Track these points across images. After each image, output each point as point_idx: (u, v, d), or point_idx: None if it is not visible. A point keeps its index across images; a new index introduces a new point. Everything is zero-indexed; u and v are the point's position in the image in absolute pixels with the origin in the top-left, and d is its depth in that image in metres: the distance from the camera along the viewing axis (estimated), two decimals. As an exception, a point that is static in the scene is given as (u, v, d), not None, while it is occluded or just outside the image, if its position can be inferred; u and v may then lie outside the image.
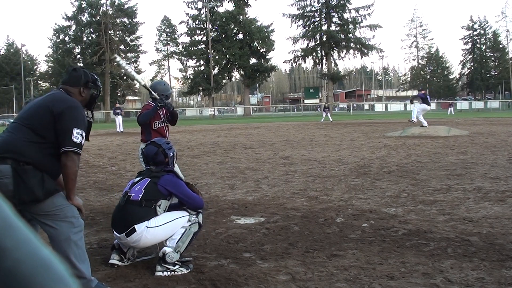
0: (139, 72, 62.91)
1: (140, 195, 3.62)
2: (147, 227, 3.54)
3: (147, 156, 3.91)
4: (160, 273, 3.53)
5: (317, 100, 71.86)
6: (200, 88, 59.66)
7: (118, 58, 5.73)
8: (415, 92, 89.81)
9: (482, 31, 79.61)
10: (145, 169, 3.94)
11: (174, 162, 4.09)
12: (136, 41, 60.34)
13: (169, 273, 3.53)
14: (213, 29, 59.25)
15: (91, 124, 3.21)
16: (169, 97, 5.69)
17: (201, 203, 3.81)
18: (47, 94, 3.21)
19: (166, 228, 3.60)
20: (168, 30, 74.74)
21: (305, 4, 60.73)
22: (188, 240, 3.65)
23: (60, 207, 2.98)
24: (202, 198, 3.88)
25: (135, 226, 3.53)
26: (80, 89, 3.13)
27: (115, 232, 3.68)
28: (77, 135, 2.91)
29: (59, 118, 2.91)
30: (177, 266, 3.56)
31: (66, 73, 3.20)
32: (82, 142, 2.97)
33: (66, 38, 58.23)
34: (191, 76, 60.36)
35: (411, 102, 21.04)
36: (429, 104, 18.93)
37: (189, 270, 3.60)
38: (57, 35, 58.09)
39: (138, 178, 3.81)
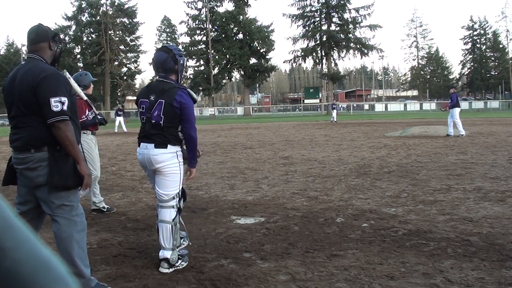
0: (139, 72, 63.03)
1: (161, 122, 3.64)
2: (178, 156, 3.69)
3: (156, 63, 3.77)
4: (166, 270, 3.63)
5: (317, 100, 71.85)
6: (200, 88, 59.63)
7: (68, 75, 5.94)
8: (415, 92, 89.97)
9: (482, 31, 79.59)
10: (156, 81, 3.82)
11: (183, 71, 3.96)
12: (136, 41, 60.36)
13: (173, 269, 3.66)
14: (213, 29, 59.24)
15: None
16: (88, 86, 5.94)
17: (195, 134, 3.74)
18: (20, 69, 3.09)
19: (177, 180, 3.72)
20: (168, 30, 74.76)
21: (305, 4, 60.74)
22: (178, 234, 3.79)
23: (71, 202, 3.06)
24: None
25: (169, 144, 3.64)
26: (49, 43, 3.12)
27: (142, 143, 3.71)
28: (55, 103, 2.89)
29: (36, 91, 2.91)
30: (179, 262, 3.71)
31: (31, 34, 3.12)
32: (64, 108, 2.91)
33: (66, 38, 58.26)
34: (191, 76, 60.36)
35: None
36: (459, 106, 16.09)
37: (187, 262, 3.77)
38: (57, 35, 58.09)
39: (152, 98, 3.69)
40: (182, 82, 3.90)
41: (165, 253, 3.66)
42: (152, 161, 3.64)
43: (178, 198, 3.76)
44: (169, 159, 3.64)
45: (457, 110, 16.13)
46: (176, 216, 3.75)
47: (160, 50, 3.84)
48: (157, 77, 3.80)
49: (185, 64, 3.90)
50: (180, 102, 3.60)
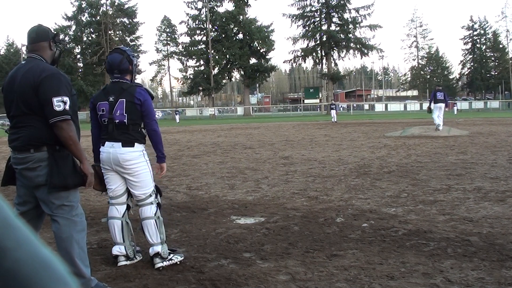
0: (139, 72, 63.15)
1: (125, 120, 3.64)
2: (144, 154, 3.72)
3: (112, 64, 3.76)
4: (161, 264, 3.67)
5: (317, 100, 71.87)
6: (200, 88, 59.68)
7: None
8: (415, 92, 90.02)
9: (482, 31, 79.64)
10: (112, 82, 3.81)
11: (136, 72, 3.99)
12: (136, 41, 60.30)
13: (167, 262, 3.69)
14: (213, 29, 59.26)
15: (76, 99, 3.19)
16: None
17: (157, 128, 3.78)
18: (20, 69, 3.07)
19: (149, 178, 3.76)
20: (168, 30, 74.74)
21: (305, 4, 60.76)
22: (163, 227, 3.82)
23: (71, 202, 3.06)
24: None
25: (136, 143, 3.67)
26: (50, 43, 3.13)
27: (108, 142, 3.67)
28: (57, 103, 2.90)
29: (38, 91, 2.91)
30: (172, 255, 3.75)
31: (31, 33, 3.12)
32: (66, 107, 2.92)
33: (66, 38, 58.23)
34: (191, 76, 60.39)
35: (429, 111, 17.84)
36: (436, 102, 17.07)
37: (183, 257, 3.80)
38: (57, 35, 58.04)
39: (111, 99, 3.68)
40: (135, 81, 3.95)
41: (155, 248, 3.71)
42: (119, 159, 3.64)
43: (155, 195, 3.83)
44: (136, 158, 3.67)
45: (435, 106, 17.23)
46: (157, 210, 3.80)
47: (114, 52, 3.87)
48: (112, 79, 3.83)
49: (137, 64, 3.95)
50: (139, 98, 3.67)
